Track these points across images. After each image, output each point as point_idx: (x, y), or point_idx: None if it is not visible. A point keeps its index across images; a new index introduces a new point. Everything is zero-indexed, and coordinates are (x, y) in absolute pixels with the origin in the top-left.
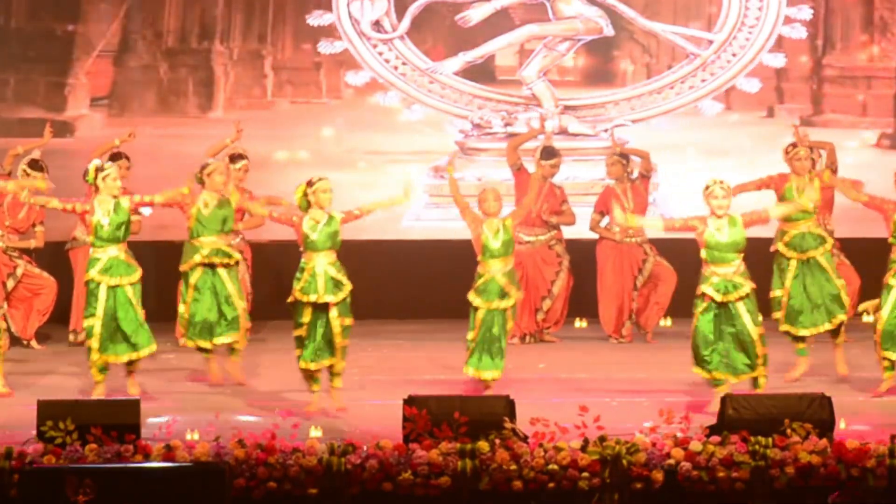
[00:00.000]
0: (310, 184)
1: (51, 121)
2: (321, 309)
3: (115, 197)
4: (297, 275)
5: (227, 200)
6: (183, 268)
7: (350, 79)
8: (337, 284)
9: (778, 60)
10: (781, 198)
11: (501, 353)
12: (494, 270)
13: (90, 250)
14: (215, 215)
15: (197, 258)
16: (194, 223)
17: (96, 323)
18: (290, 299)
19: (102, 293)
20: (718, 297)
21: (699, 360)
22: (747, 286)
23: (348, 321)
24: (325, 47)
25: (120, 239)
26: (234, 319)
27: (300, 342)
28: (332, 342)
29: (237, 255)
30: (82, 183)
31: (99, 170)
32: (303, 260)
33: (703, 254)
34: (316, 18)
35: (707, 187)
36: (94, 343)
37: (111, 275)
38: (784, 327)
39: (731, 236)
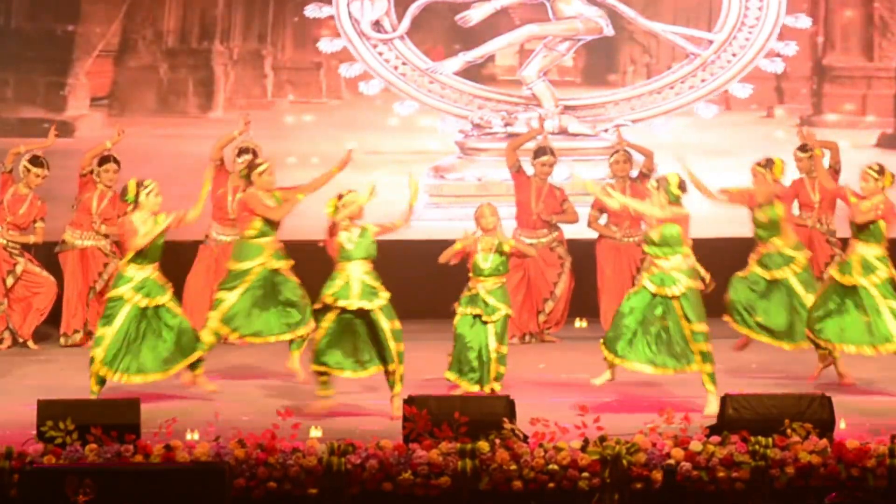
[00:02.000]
0: (339, 197)
1: (55, 123)
2: (353, 314)
3: (154, 214)
4: (329, 281)
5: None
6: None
7: (344, 71)
8: (373, 291)
9: (776, 66)
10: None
11: (472, 368)
12: (482, 287)
13: (121, 267)
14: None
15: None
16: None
17: (108, 335)
18: (317, 305)
19: (125, 310)
20: (653, 289)
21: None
22: (683, 284)
23: (398, 325)
24: (326, 45)
25: (157, 259)
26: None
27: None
28: (384, 348)
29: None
30: (79, 183)
31: (140, 185)
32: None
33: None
34: (314, 11)
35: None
36: (100, 353)
37: (144, 294)
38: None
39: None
